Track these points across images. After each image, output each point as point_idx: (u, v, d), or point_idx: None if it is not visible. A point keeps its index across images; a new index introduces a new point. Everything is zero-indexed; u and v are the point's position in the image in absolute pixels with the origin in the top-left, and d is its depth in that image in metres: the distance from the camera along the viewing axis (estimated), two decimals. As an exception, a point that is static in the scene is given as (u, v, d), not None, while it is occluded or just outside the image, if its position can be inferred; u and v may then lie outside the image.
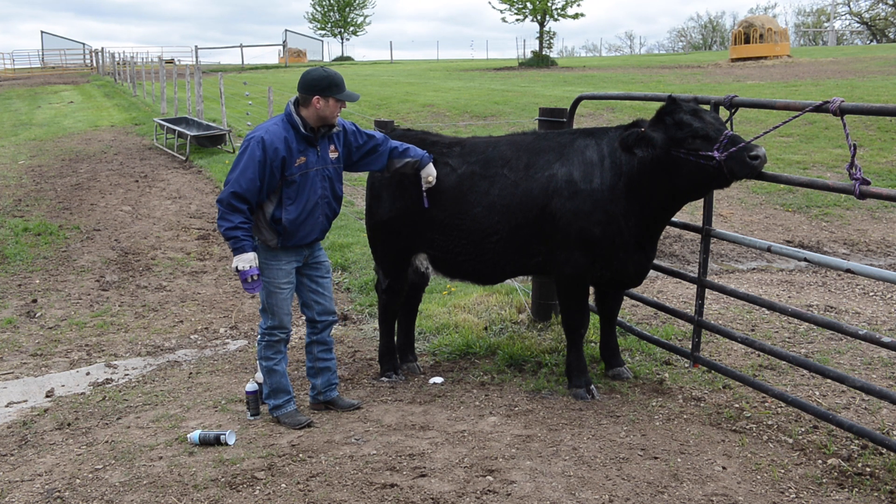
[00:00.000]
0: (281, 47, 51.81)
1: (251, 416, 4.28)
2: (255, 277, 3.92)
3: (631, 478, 3.44)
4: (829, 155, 11.58)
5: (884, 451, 3.63)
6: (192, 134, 14.60)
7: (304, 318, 4.43)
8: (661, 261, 7.04)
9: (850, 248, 8.34)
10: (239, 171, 3.87)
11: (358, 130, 4.28)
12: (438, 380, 4.78)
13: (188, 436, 3.96)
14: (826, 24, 57.94)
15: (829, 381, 4.38)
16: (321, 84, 3.93)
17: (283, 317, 4.15)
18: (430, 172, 4.39)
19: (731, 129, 3.89)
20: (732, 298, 5.95)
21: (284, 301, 4.14)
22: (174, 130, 15.28)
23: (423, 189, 4.43)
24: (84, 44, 54.94)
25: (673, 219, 4.51)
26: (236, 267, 3.91)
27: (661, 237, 6.24)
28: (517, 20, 38.55)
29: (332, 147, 4.15)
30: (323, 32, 60.30)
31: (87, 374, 5.58)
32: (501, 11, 38.89)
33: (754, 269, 7.64)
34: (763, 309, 5.67)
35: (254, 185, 3.86)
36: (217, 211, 3.93)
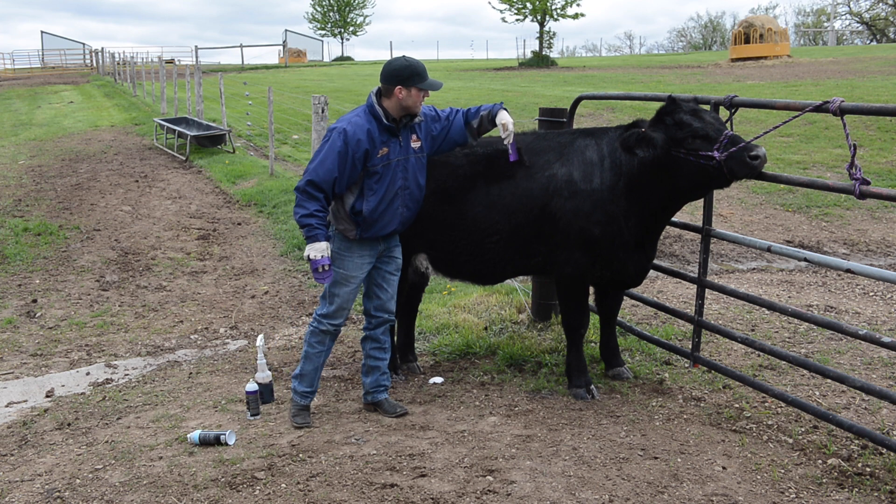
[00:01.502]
0: (281, 47, 51.83)
1: (251, 416, 4.28)
2: (326, 267, 3.88)
3: (631, 478, 3.44)
4: (829, 155, 11.58)
5: (884, 451, 3.63)
6: (192, 134, 14.61)
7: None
8: (661, 261, 7.04)
9: (850, 248, 8.34)
10: (318, 161, 3.83)
11: (436, 114, 4.21)
12: (438, 380, 4.78)
13: (188, 436, 3.96)
14: (826, 24, 57.94)
15: (829, 381, 4.37)
16: (403, 74, 3.88)
17: (341, 310, 4.11)
18: (504, 118, 4.19)
19: (731, 129, 3.89)
20: (732, 298, 5.95)
21: (349, 294, 4.09)
22: (174, 130, 15.29)
23: (504, 140, 4.20)
24: (84, 44, 54.98)
25: (673, 219, 4.50)
26: (308, 255, 3.86)
27: (661, 237, 6.24)
28: (517, 20, 38.57)
29: (415, 137, 4.09)
30: (323, 32, 60.39)
31: (87, 374, 5.58)
32: (501, 11, 38.96)
33: (754, 269, 7.64)
34: (763, 309, 5.67)
35: (331, 175, 3.81)
36: (294, 198, 3.89)
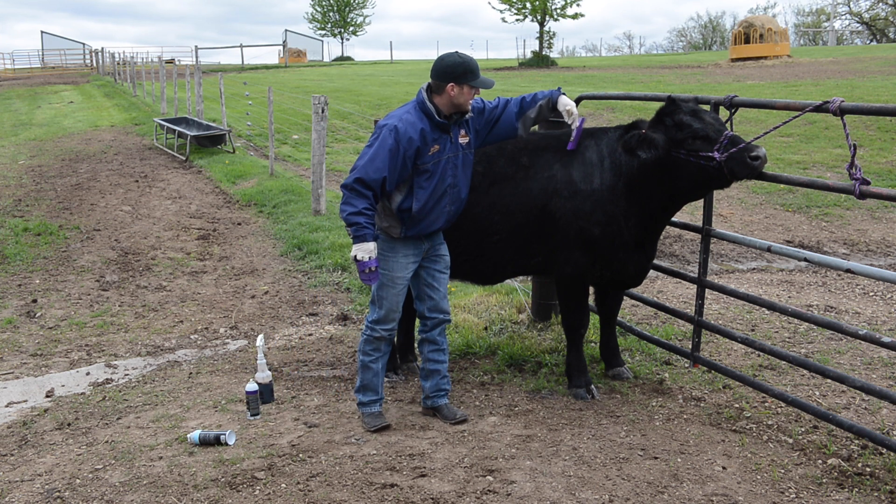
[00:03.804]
0: (281, 47, 51.83)
1: (251, 416, 4.28)
2: (374, 269, 3.76)
3: (631, 478, 3.44)
4: (829, 155, 11.58)
5: (884, 451, 3.63)
6: (192, 134, 14.61)
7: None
8: (661, 261, 7.04)
9: (850, 248, 8.34)
10: (367, 159, 3.70)
11: (482, 107, 4.05)
12: (438, 380, 4.78)
13: (188, 436, 3.96)
14: (826, 24, 57.96)
15: (829, 381, 4.37)
16: (457, 71, 3.74)
17: (391, 313, 4.00)
18: (566, 103, 4.05)
19: (732, 130, 3.89)
20: (732, 298, 5.95)
21: (396, 296, 3.98)
22: (174, 130, 15.30)
23: (572, 124, 4.07)
24: (84, 44, 55.01)
25: (673, 219, 4.50)
26: (355, 256, 3.72)
27: (661, 237, 6.24)
28: (517, 20, 38.59)
29: (463, 132, 3.96)
30: (323, 32, 60.43)
31: (87, 374, 5.57)
32: (501, 11, 38.96)
33: (754, 269, 7.64)
34: (763, 309, 5.67)
35: (381, 174, 3.68)
36: (341, 196, 3.77)
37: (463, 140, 3.97)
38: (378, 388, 4.12)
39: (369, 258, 3.73)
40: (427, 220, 3.92)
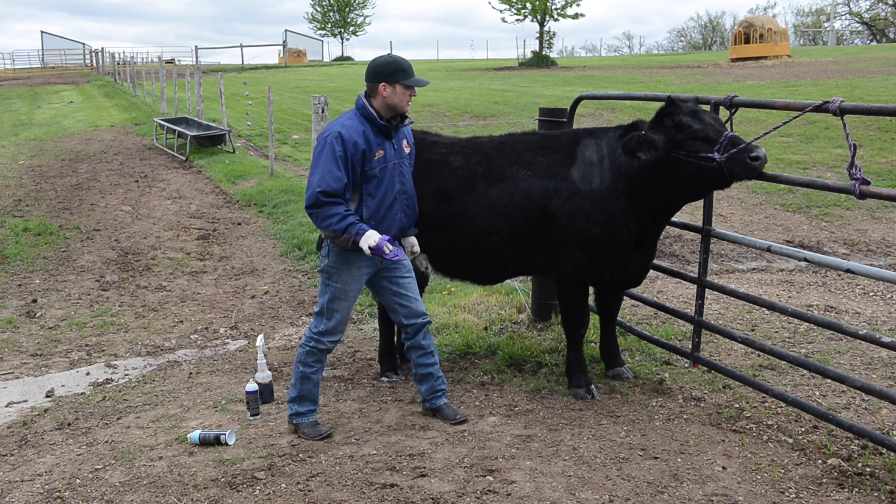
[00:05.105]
0: (281, 47, 51.83)
1: (251, 416, 4.28)
2: (391, 246, 3.72)
3: (631, 478, 3.44)
4: (829, 155, 11.58)
5: (884, 451, 3.63)
6: (192, 134, 14.61)
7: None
8: (661, 261, 7.04)
9: (850, 248, 8.34)
10: (325, 170, 3.67)
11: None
12: (438, 380, 4.78)
13: (188, 436, 3.96)
14: (826, 24, 57.97)
15: (829, 381, 4.38)
16: (386, 70, 3.76)
17: (338, 325, 3.97)
18: (413, 243, 4.19)
19: (732, 130, 3.89)
20: (732, 298, 5.95)
21: (348, 308, 3.97)
22: (174, 130, 15.29)
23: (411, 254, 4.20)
24: (84, 44, 55.01)
25: (673, 219, 4.50)
26: (369, 246, 3.68)
27: (661, 237, 6.24)
28: (517, 20, 38.60)
29: (406, 142, 4.00)
30: (323, 32, 60.45)
31: (87, 374, 5.58)
32: (501, 11, 38.97)
33: (754, 269, 7.64)
34: (763, 309, 5.67)
35: (341, 182, 3.67)
36: (311, 217, 3.75)
37: (406, 149, 4.01)
38: (315, 398, 4.07)
39: (378, 239, 3.70)
40: (380, 228, 3.88)
